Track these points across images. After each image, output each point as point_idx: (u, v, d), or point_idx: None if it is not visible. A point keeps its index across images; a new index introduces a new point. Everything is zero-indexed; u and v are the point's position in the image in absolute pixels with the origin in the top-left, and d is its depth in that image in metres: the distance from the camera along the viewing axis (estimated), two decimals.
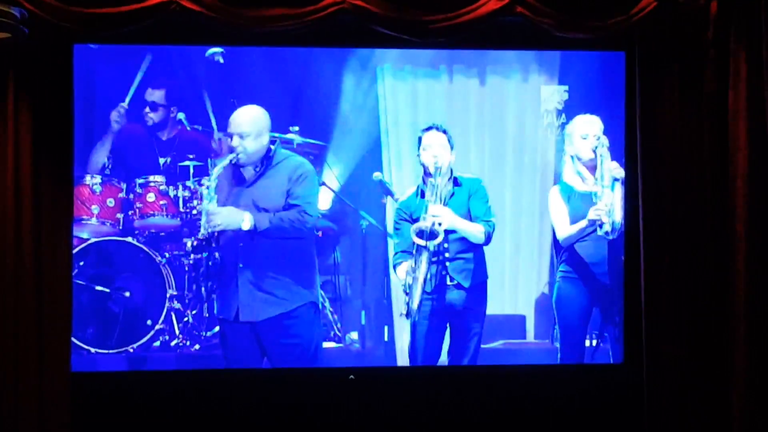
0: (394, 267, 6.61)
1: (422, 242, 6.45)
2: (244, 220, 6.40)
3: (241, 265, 6.38)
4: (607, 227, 6.73)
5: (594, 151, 6.90)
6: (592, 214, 6.72)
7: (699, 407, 6.43)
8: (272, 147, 6.56)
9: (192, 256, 6.72)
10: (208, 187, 6.55)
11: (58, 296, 6.30)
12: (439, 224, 6.50)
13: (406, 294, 6.53)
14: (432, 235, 6.50)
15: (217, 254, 6.52)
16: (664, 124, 6.52)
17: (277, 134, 6.66)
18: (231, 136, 6.53)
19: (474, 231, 6.50)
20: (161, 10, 6.18)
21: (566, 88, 7.42)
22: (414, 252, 6.47)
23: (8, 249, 6.17)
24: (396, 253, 6.60)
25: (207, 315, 6.79)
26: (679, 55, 6.50)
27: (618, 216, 6.82)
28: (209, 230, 6.52)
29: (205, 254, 6.63)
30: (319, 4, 6.26)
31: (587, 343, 7.02)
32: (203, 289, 6.88)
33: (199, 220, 6.69)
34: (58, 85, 6.34)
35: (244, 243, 6.43)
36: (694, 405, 6.43)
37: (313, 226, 6.59)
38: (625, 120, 6.75)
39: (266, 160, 6.52)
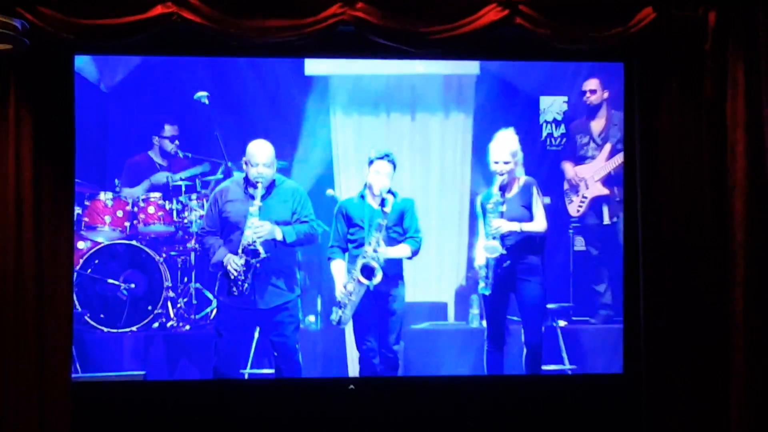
0: (329, 260, 7.03)
1: (365, 281, 6.81)
2: (277, 232, 6.84)
3: (258, 265, 6.80)
4: (482, 285, 7.00)
5: (501, 175, 7.01)
6: (484, 250, 6.99)
7: (699, 416, 6.27)
8: (275, 178, 6.95)
9: (236, 260, 6.78)
10: (256, 205, 6.78)
11: (59, 306, 6.18)
12: (378, 265, 6.76)
13: (340, 307, 6.92)
14: (373, 274, 6.82)
15: (258, 265, 6.79)
16: (664, 133, 6.32)
17: (279, 162, 7.07)
18: (252, 165, 6.82)
19: (402, 253, 6.92)
20: (162, 21, 5.98)
21: (565, 99, 7.88)
22: (344, 255, 6.90)
23: (9, 259, 6.01)
24: (331, 246, 7.02)
25: (195, 303, 7.57)
26: (678, 65, 6.29)
27: (489, 282, 6.98)
28: (255, 238, 6.78)
29: (254, 260, 6.77)
30: (319, 16, 6.06)
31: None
32: (192, 283, 7.61)
33: (189, 227, 7.57)
34: (59, 95, 6.16)
35: (268, 250, 6.82)
36: (694, 413, 6.27)
37: (317, 235, 7.07)
38: (624, 130, 6.64)
39: (271, 185, 6.94)
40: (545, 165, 7.69)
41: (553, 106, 7.94)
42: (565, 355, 7.20)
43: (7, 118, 5.97)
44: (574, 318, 7.65)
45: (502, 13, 6.08)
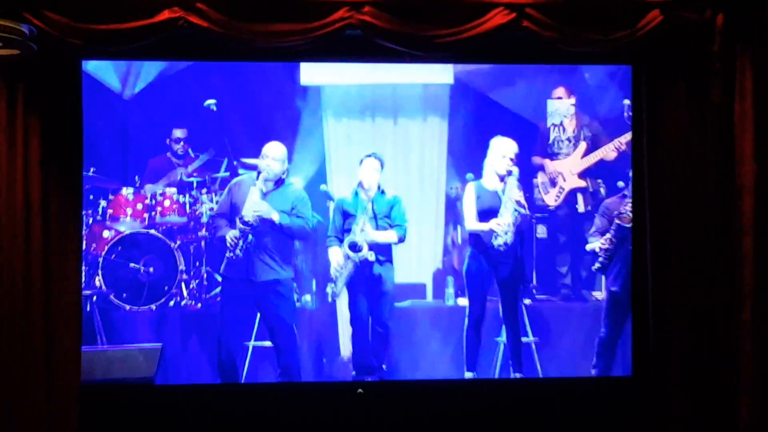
0: (327, 247, 7.64)
1: (352, 255, 7.41)
2: (274, 214, 7.41)
3: (251, 237, 7.32)
4: (500, 241, 7.46)
5: (502, 177, 7.44)
6: (493, 225, 7.45)
7: (706, 420, 6.17)
8: (283, 176, 7.54)
9: (231, 233, 7.34)
10: (258, 185, 7.32)
11: (67, 308, 6.08)
12: (365, 240, 7.36)
13: (333, 282, 7.51)
14: (359, 249, 7.41)
15: (251, 237, 7.34)
16: (671, 136, 6.15)
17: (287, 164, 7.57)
18: (263, 157, 7.42)
19: (388, 239, 7.51)
20: (169, 25, 5.80)
21: (573, 101, 8.29)
22: (342, 244, 7.42)
23: (18, 262, 5.94)
24: (328, 237, 7.65)
25: (206, 284, 8.11)
26: (685, 68, 6.11)
27: (510, 237, 7.40)
28: (254, 215, 7.36)
29: (248, 228, 7.31)
30: (326, 19, 5.88)
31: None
32: (203, 267, 8.13)
33: (200, 218, 8.13)
34: (67, 99, 6.02)
35: (264, 231, 7.35)
36: (702, 417, 6.16)
37: (307, 233, 7.64)
38: (632, 132, 6.47)
39: (279, 182, 7.52)
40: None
41: (560, 109, 8.44)
42: (529, 329, 7.89)
43: (15, 123, 5.84)
44: (537, 296, 8.39)
45: (509, 16, 5.89)
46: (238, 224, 7.37)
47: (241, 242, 7.39)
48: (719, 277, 6.12)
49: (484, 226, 7.45)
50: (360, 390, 6.43)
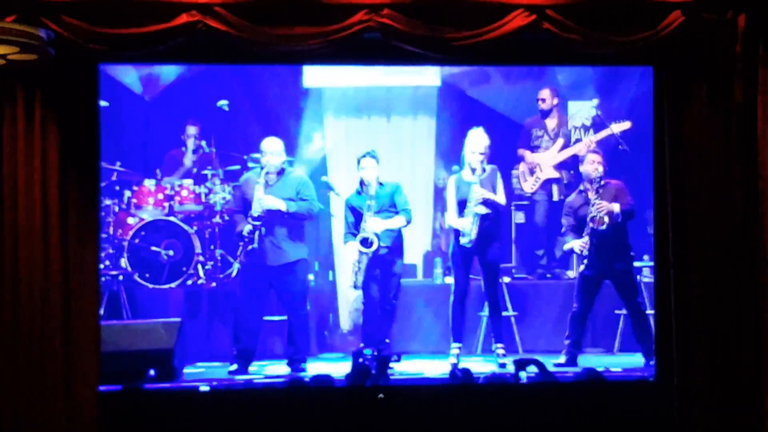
0: (345, 242, 7.98)
1: (365, 250, 7.71)
2: (280, 204, 7.65)
3: (263, 230, 7.64)
4: (465, 240, 7.72)
5: (473, 169, 7.61)
6: (458, 226, 7.72)
7: (731, 420, 5.92)
8: (284, 166, 7.79)
9: (246, 228, 7.63)
10: (261, 182, 7.56)
11: (85, 312, 5.82)
12: (374, 234, 7.62)
13: (355, 274, 7.74)
14: (370, 244, 7.70)
15: (263, 229, 7.63)
16: (693, 137, 5.95)
17: (287, 157, 7.90)
18: (263, 153, 7.67)
19: (398, 224, 7.83)
20: (187, 29, 5.61)
21: (594, 103, 8.60)
22: (358, 241, 7.70)
23: (36, 263, 5.69)
24: (345, 234, 7.97)
25: (220, 265, 8.65)
26: (707, 69, 5.92)
27: (474, 235, 7.60)
28: (262, 208, 7.64)
29: (259, 223, 7.62)
30: (346, 22, 5.68)
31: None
32: (217, 250, 8.63)
33: (214, 207, 8.64)
34: (85, 103, 5.84)
35: (274, 220, 7.65)
36: (727, 417, 5.92)
37: (315, 213, 7.94)
38: (654, 133, 6.19)
39: (281, 172, 7.76)
40: (574, 167, 8.68)
41: (581, 111, 9.02)
42: (508, 304, 8.50)
43: (33, 127, 5.68)
44: (516, 275, 9.12)
45: (529, 18, 5.72)
46: (249, 221, 7.71)
47: (256, 235, 7.71)
48: (742, 278, 5.90)
49: (456, 224, 7.77)
50: (381, 395, 6.22)
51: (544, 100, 9.16)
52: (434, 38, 5.73)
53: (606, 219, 7.87)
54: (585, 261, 7.92)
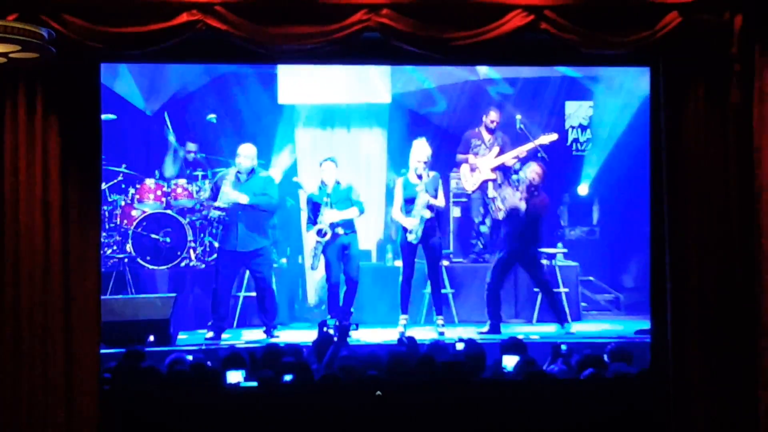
0: (307, 230, 9.17)
1: (319, 239, 8.76)
2: (241, 197, 8.69)
3: (226, 218, 8.78)
4: (411, 237, 8.60)
5: (419, 175, 8.50)
6: (406, 223, 8.63)
7: (726, 419, 5.80)
8: (255, 168, 8.81)
9: (214, 214, 8.90)
10: (231, 181, 8.61)
11: (87, 310, 5.69)
12: (328, 225, 8.61)
13: (312, 257, 8.81)
14: (324, 234, 8.74)
15: (226, 217, 8.78)
16: (690, 138, 5.83)
17: (259, 160, 8.89)
18: (238, 156, 8.72)
19: (352, 215, 8.91)
20: (188, 28, 5.50)
21: (591, 104, 9.42)
22: (316, 231, 8.75)
23: (37, 261, 5.57)
24: (307, 224, 9.11)
25: (208, 250, 9.82)
26: (704, 69, 5.81)
27: (419, 234, 8.45)
28: (226, 201, 8.71)
29: (223, 214, 8.75)
30: (345, 22, 5.57)
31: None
32: (206, 237, 9.88)
33: (203, 202, 9.71)
34: (86, 102, 5.72)
35: (242, 210, 8.70)
36: (722, 416, 5.80)
37: (274, 207, 8.92)
38: (650, 134, 6.04)
39: (251, 173, 8.81)
40: (570, 168, 9.48)
41: (579, 110, 9.64)
42: (447, 283, 9.61)
43: (34, 126, 5.55)
44: (453, 259, 10.34)
45: (527, 18, 5.63)
46: (213, 210, 9.01)
47: (223, 216, 9.02)
48: (738, 277, 5.82)
49: (401, 221, 8.70)
50: (378, 392, 6.11)
51: (493, 122, 10.10)
52: (433, 38, 5.66)
53: (502, 208, 8.98)
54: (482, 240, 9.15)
